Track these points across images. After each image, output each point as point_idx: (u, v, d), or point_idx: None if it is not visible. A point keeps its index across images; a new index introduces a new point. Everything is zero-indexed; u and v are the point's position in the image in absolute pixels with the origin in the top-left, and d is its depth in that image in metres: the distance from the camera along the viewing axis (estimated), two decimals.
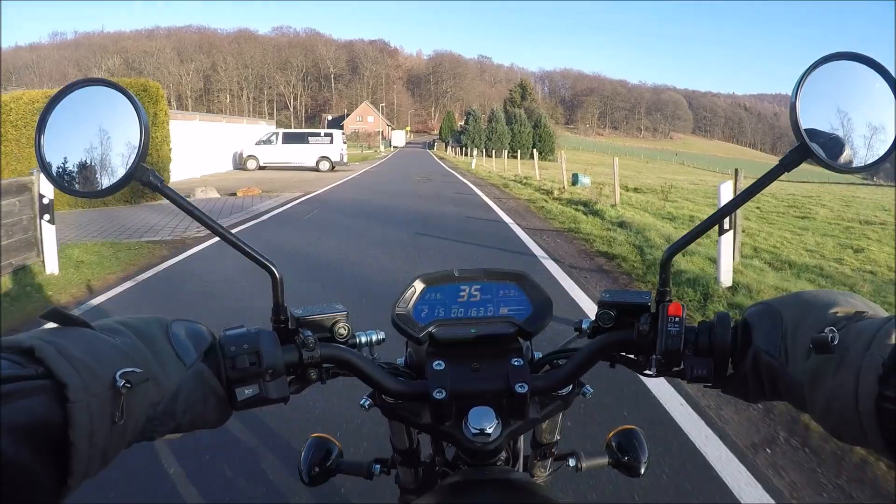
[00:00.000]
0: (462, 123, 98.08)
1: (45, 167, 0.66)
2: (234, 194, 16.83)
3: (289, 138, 31.03)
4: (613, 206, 13.16)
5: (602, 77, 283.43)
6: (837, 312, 0.62)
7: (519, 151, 46.37)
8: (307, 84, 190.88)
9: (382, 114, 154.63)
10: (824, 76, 0.65)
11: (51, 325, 0.56)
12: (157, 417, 0.59)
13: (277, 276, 0.74)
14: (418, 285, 0.89)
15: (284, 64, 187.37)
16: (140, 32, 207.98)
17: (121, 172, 0.66)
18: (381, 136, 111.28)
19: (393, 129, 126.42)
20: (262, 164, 30.10)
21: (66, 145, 0.67)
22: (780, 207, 19.87)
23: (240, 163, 30.33)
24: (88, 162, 0.67)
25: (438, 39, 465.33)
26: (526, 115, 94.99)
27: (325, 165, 30.07)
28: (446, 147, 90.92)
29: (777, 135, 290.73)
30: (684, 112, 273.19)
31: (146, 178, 0.66)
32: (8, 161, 14.37)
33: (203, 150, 25.48)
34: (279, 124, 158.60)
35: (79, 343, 0.54)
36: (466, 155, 60.89)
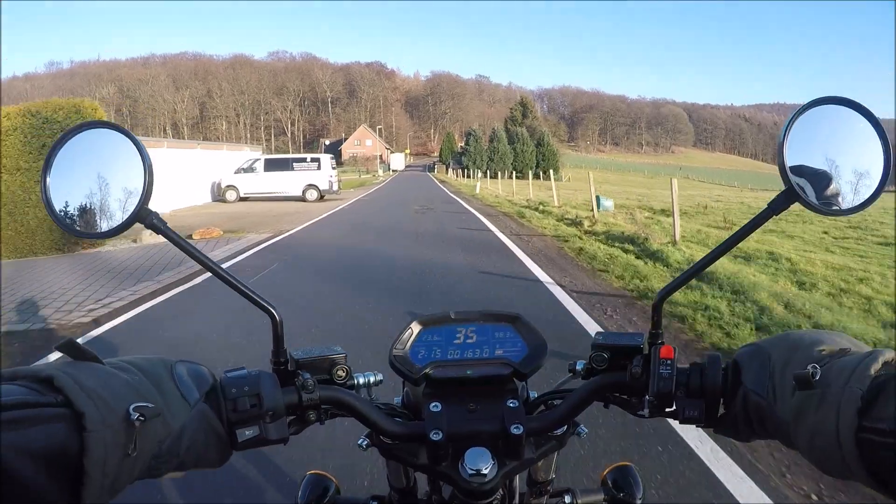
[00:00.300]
0: (462, 144, 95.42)
1: (50, 208, 0.67)
2: (191, 237, 13.54)
3: (271, 165, 27.80)
4: (673, 243, 9.96)
5: (601, 93, 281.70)
6: (823, 350, 0.63)
7: (523, 171, 44.13)
8: (304, 109, 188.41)
9: (381, 137, 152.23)
10: (811, 120, 0.66)
11: (64, 357, 0.58)
12: (162, 455, 0.60)
13: (278, 318, 0.76)
14: (415, 327, 0.91)
15: (281, 89, 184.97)
16: (136, 60, 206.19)
17: (124, 214, 0.67)
18: (379, 160, 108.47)
19: (392, 152, 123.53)
20: (242, 195, 27.02)
21: (70, 186, 0.68)
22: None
23: (218, 194, 27.24)
24: (93, 203, 0.68)
25: (435, 60, 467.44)
26: (528, 133, 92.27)
27: (312, 195, 27.05)
28: (447, 169, 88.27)
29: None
30: (685, 125, 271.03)
31: (150, 220, 0.67)
32: None
33: (175, 181, 22.52)
34: (277, 150, 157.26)
35: (94, 376, 0.55)
36: (468, 177, 57.92)
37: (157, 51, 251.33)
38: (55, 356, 6.03)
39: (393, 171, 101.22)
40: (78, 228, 0.68)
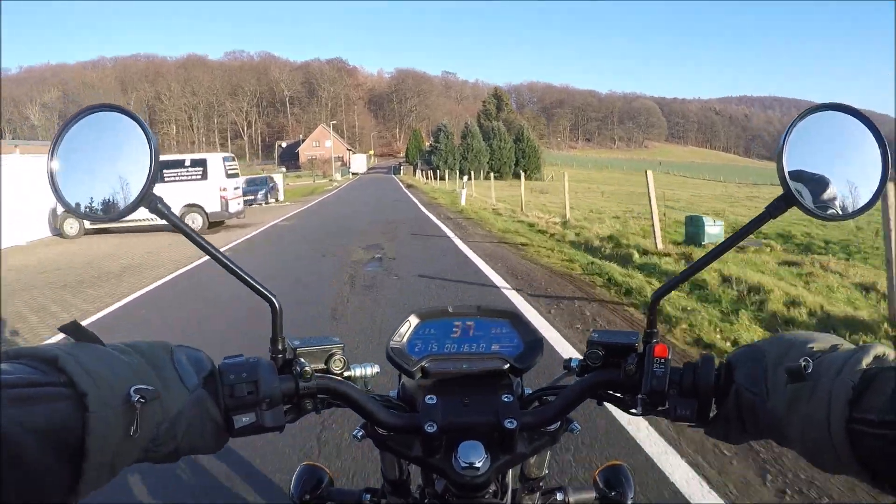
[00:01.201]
0: (431, 142, 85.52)
1: (56, 191, 0.67)
2: None
3: None
4: None
5: (571, 88, 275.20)
6: (814, 347, 0.64)
7: (500, 171, 35.69)
8: (262, 110, 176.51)
9: (344, 138, 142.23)
10: (810, 127, 0.67)
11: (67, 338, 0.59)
12: (160, 438, 0.61)
13: (277, 306, 0.77)
14: (413, 320, 0.91)
15: (235, 89, 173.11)
16: (83, 64, 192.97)
17: (129, 198, 0.67)
18: (340, 163, 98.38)
19: (353, 153, 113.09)
20: (90, 226, 17.37)
21: (76, 170, 0.68)
22: None
23: (56, 226, 17.39)
24: (99, 187, 0.68)
25: (400, 58, 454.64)
26: (505, 128, 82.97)
27: (197, 220, 17.36)
28: (415, 171, 78.69)
29: (750, 136, 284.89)
30: (658, 119, 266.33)
31: (154, 205, 0.67)
32: None
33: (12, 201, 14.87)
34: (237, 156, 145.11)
35: (96, 357, 0.56)
36: (441, 179, 48.46)
37: (106, 53, 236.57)
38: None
39: (353, 174, 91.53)
40: (83, 210, 0.68)
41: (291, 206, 28.60)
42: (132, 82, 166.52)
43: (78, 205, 0.68)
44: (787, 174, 0.67)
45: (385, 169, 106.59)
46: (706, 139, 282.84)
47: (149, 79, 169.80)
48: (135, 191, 0.67)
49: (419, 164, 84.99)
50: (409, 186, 44.65)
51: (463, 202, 22.57)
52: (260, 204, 31.13)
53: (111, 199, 0.68)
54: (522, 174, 28.04)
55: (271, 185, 34.06)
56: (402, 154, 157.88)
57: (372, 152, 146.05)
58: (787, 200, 0.67)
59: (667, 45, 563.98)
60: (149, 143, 0.67)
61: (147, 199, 0.67)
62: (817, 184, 0.68)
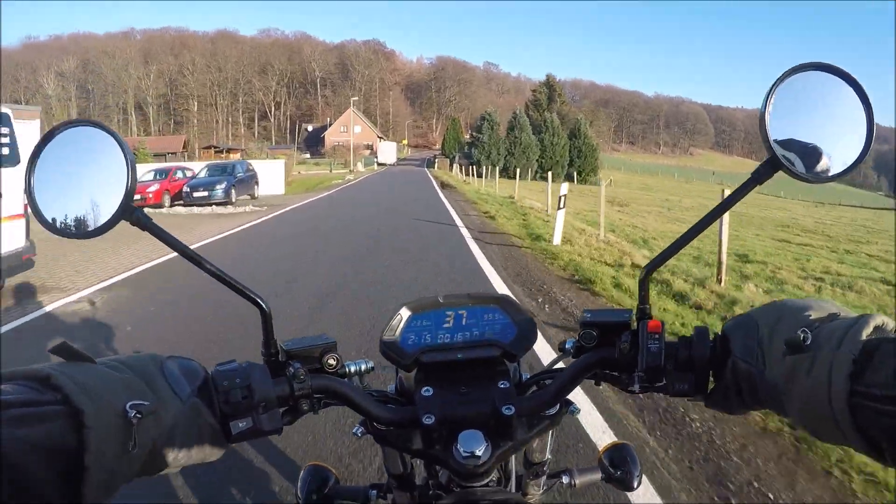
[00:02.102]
0: (472, 133, 73.76)
1: (36, 210, 0.67)
2: None
3: None
4: None
5: (616, 88, 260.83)
6: (811, 315, 0.63)
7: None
8: (292, 90, 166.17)
9: (377, 125, 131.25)
10: (792, 88, 0.66)
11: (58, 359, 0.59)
12: (158, 451, 0.61)
13: (267, 310, 0.76)
14: (404, 313, 0.91)
15: (265, 67, 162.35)
16: (112, 35, 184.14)
17: (109, 213, 0.67)
18: (370, 151, 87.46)
19: (383, 141, 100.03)
20: None
21: (56, 186, 0.68)
22: None
23: None
24: (78, 203, 0.68)
25: (440, 45, 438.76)
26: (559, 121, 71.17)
27: None
28: (451, 165, 67.24)
29: None
30: (705, 126, 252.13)
31: (135, 217, 0.67)
32: None
33: None
34: (259, 137, 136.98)
35: (90, 375, 0.56)
36: (481, 176, 36.81)
37: (137, 25, 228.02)
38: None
39: (379, 164, 79.66)
40: (65, 229, 0.68)
41: (258, 212, 17.98)
42: (156, 55, 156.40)
43: (55, 220, 0.68)
44: (770, 137, 0.66)
45: (418, 161, 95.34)
46: (752, 150, 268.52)
47: (174, 52, 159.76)
48: (114, 205, 0.66)
49: (456, 158, 73.67)
50: (444, 186, 33.26)
51: (557, 239, 10.76)
52: (212, 206, 20.36)
53: (92, 215, 0.68)
54: (562, 174, 16.72)
55: (242, 175, 23.15)
56: (438, 146, 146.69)
57: (405, 142, 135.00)
58: (773, 165, 0.66)
59: (716, 50, 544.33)
60: (125, 157, 0.67)
61: (128, 212, 0.67)
62: (802, 146, 0.67)
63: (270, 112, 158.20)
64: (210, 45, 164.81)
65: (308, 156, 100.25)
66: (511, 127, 67.59)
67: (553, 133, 67.90)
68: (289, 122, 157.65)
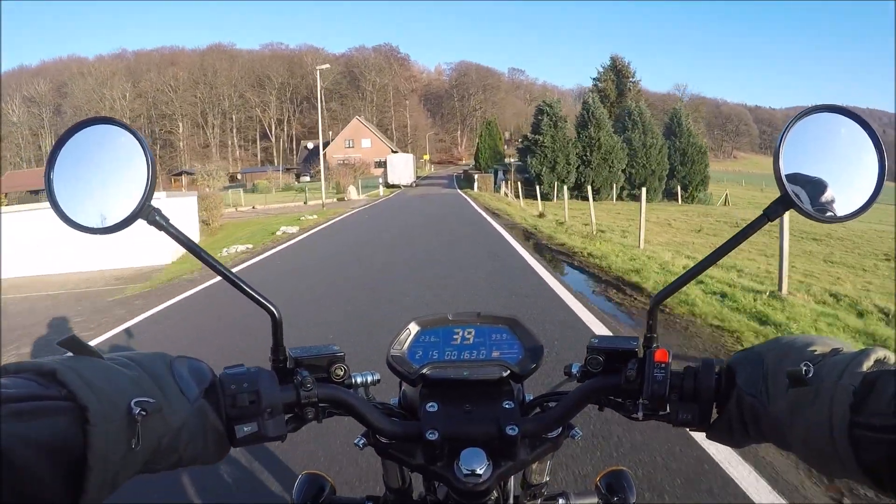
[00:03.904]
0: (525, 137, 50.17)
1: (54, 203, 0.68)
2: None
3: None
4: None
5: (648, 92, 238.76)
6: (815, 350, 0.64)
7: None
8: (296, 106, 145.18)
9: (393, 140, 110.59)
10: (807, 128, 0.68)
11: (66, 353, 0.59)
12: (162, 450, 0.61)
13: (277, 316, 0.77)
14: (413, 328, 0.92)
15: (261, 80, 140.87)
16: (102, 58, 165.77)
17: (127, 211, 0.67)
18: (383, 169, 66.25)
19: (396, 153, 77.23)
20: None
21: (75, 183, 0.69)
22: None
23: None
24: (96, 200, 0.69)
25: (461, 52, 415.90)
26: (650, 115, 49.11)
27: None
28: (495, 183, 45.79)
29: None
30: (748, 127, 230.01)
31: (152, 217, 0.68)
32: None
33: None
34: (250, 162, 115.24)
35: (96, 370, 0.56)
36: (546, 199, 22.70)
37: (129, 46, 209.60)
38: None
39: (390, 186, 58.61)
40: (82, 224, 0.69)
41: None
42: (142, 74, 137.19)
43: (72, 216, 0.68)
44: (783, 177, 0.67)
45: (444, 180, 73.73)
46: None
47: (160, 69, 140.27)
48: (132, 203, 0.67)
49: (500, 173, 51.88)
50: (509, 227, 15.57)
51: None
52: None
53: (108, 212, 0.68)
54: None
55: None
56: (464, 161, 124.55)
57: (427, 157, 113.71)
58: (784, 203, 0.67)
59: (757, 47, 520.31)
60: (146, 156, 0.68)
61: (145, 211, 0.67)
62: (814, 186, 0.68)
63: (271, 131, 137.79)
64: (199, 59, 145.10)
65: (308, 178, 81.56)
66: (582, 123, 45.72)
67: (643, 130, 46.15)
68: (294, 141, 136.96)
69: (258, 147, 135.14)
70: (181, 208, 17.47)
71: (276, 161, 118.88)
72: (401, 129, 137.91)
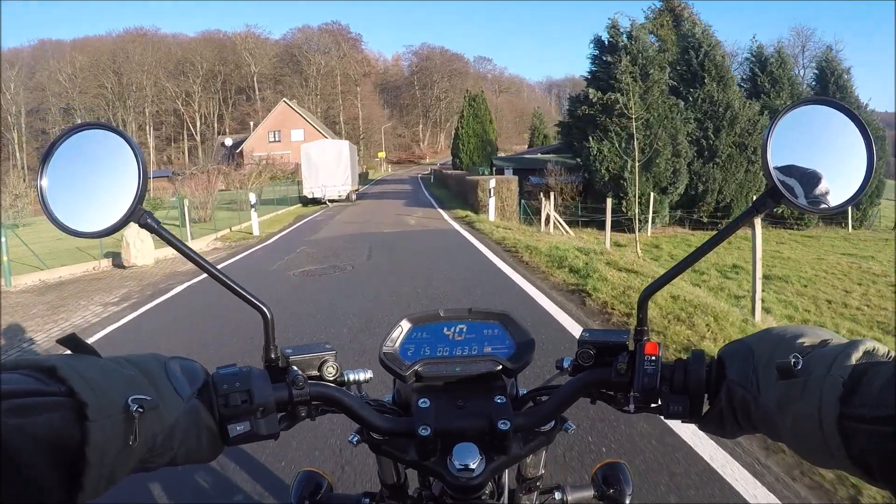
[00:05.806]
0: (569, 109, 26.93)
1: (45, 207, 0.68)
2: None
3: None
4: None
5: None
6: (804, 342, 0.64)
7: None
8: (230, 98, 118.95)
9: (341, 135, 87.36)
10: (795, 121, 0.68)
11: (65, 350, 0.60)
12: (157, 448, 0.61)
13: (269, 316, 0.78)
14: (405, 325, 0.92)
15: (181, 66, 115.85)
16: (19, 50, 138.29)
17: (119, 214, 0.68)
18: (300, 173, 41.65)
19: (322, 140, 42.70)
20: None
21: (66, 187, 0.69)
22: None
23: None
24: (88, 203, 0.69)
25: (421, 36, 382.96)
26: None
27: None
28: (520, 197, 21.76)
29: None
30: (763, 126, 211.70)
31: (144, 220, 0.69)
32: None
33: None
34: (166, 163, 45.86)
35: (95, 368, 0.57)
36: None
37: (47, 35, 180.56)
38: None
39: (311, 200, 31.37)
40: (73, 228, 0.69)
41: None
42: (45, 62, 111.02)
43: (69, 221, 0.69)
44: (772, 169, 0.67)
45: (408, 185, 50.75)
46: None
47: (70, 59, 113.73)
48: (124, 207, 0.68)
49: (530, 180, 26.36)
50: None
51: None
52: None
53: (100, 216, 0.69)
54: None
55: None
56: (428, 160, 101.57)
57: (383, 154, 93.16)
58: (773, 195, 0.67)
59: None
60: (137, 159, 0.68)
61: (136, 214, 0.68)
62: (803, 178, 0.68)
63: (196, 127, 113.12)
64: (110, 45, 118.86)
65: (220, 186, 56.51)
66: (686, 74, 24.38)
67: (730, 105, 25.18)
68: (228, 134, 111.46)
69: (184, 146, 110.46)
70: None
71: (200, 161, 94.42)
72: (351, 121, 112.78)
